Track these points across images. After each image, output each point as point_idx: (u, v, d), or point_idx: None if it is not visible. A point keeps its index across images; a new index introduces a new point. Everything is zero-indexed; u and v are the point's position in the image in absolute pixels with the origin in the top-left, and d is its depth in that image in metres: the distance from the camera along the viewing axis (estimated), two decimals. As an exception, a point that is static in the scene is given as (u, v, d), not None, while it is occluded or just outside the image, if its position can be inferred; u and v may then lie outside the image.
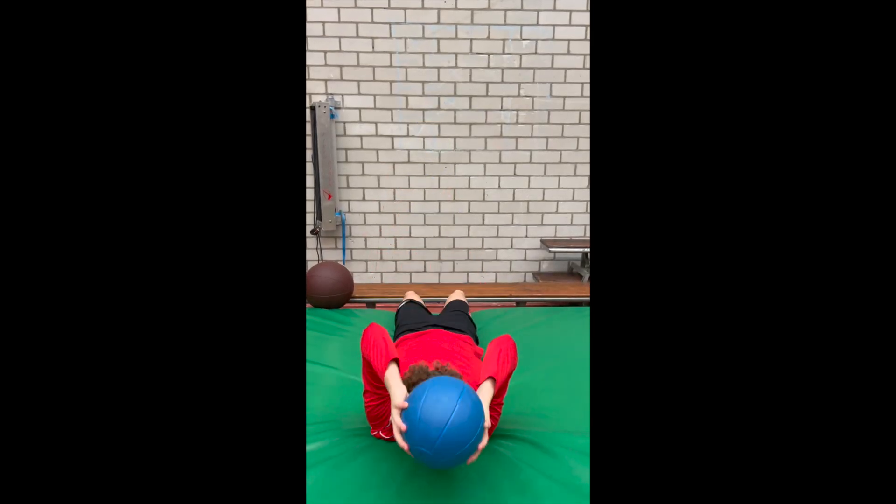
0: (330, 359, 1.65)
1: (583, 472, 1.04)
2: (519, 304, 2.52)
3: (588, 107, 2.87)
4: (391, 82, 2.79)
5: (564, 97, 2.85)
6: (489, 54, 2.78)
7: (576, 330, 1.88)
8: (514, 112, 2.86)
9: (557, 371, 1.54)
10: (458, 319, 1.71)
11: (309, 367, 1.54)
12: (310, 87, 2.77)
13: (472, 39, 2.76)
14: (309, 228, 2.93)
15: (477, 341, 1.70)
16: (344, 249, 2.98)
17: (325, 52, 2.73)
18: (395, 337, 1.63)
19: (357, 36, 2.72)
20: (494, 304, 2.52)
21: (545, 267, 3.10)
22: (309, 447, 1.12)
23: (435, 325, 1.62)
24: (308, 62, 2.74)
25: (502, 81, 2.82)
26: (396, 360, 1.03)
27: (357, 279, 3.04)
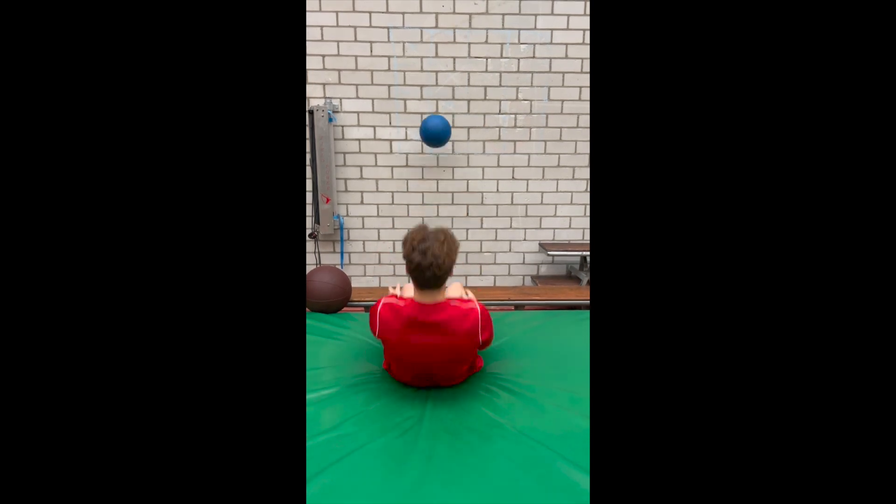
0: (326, 364, 1.64)
1: (582, 478, 1.04)
2: (517, 307, 2.51)
3: (586, 110, 2.87)
4: (389, 86, 2.79)
5: (562, 101, 2.85)
6: (487, 58, 2.78)
7: (575, 334, 1.88)
8: (513, 116, 2.86)
9: (557, 376, 1.54)
10: None
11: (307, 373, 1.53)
12: (308, 91, 2.77)
13: (470, 44, 2.76)
14: (307, 232, 2.92)
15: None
16: (342, 253, 2.97)
17: (324, 56, 2.74)
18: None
19: (355, 40, 2.73)
20: (493, 307, 2.51)
21: (543, 270, 3.10)
22: (308, 455, 1.11)
23: None
24: (306, 66, 2.74)
25: (500, 85, 2.82)
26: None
27: (355, 283, 3.04)
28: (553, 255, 2.85)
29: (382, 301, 1.41)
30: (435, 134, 2.40)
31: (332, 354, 1.75)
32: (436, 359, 1.38)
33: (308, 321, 2.00)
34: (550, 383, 1.48)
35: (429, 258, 1.28)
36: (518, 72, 2.80)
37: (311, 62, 2.73)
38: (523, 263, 3.08)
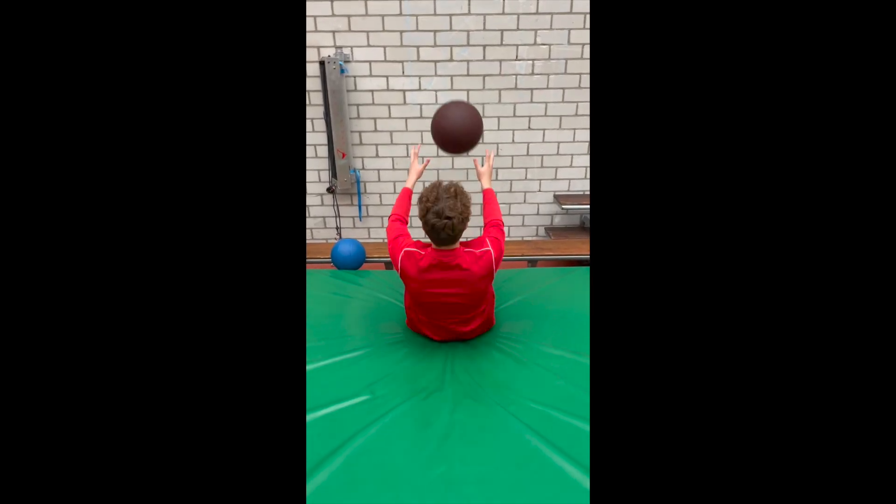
0: (356, 324, 1.78)
1: (585, 427, 1.18)
2: (531, 263, 2.59)
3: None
4: (401, 32, 2.67)
5: (582, 45, 2.72)
6: (504, -1, 2.62)
7: (587, 296, 1.97)
8: (530, 62, 2.75)
9: (567, 339, 1.65)
10: None
11: (316, 337, 1.67)
12: (317, 39, 2.67)
13: (486, -17, 2.59)
14: (325, 187, 2.97)
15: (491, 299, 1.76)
16: (360, 206, 3.03)
17: (332, 0, 2.61)
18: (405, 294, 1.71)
19: (364, -18, 2.58)
20: (506, 262, 2.60)
21: (557, 221, 3.14)
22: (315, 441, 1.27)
23: None
24: (314, 12, 2.62)
25: (518, 28, 2.68)
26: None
27: (374, 235, 3.13)
28: (567, 209, 2.87)
29: (403, 250, 1.51)
30: (347, 257, 2.52)
31: (359, 314, 1.88)
32: (452, 298, 1.51)
33: (332, 280, 2.12)
34: (561, 347, 1.60)
35: (443, 220, 1.39)
36: (536, 13, 2.65)
37: (319, 8, 2.61)
38: (537, 214, 3.11)
